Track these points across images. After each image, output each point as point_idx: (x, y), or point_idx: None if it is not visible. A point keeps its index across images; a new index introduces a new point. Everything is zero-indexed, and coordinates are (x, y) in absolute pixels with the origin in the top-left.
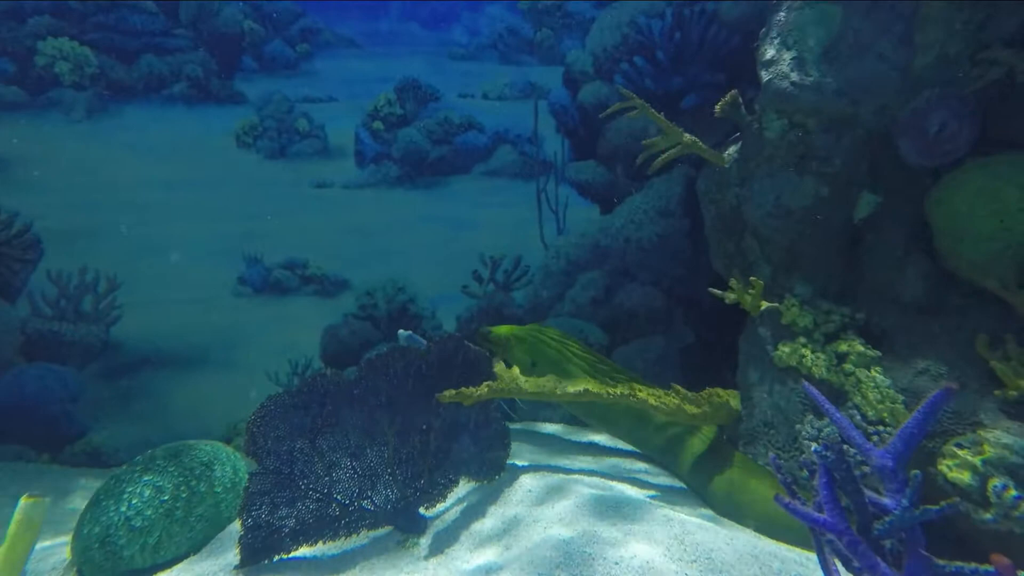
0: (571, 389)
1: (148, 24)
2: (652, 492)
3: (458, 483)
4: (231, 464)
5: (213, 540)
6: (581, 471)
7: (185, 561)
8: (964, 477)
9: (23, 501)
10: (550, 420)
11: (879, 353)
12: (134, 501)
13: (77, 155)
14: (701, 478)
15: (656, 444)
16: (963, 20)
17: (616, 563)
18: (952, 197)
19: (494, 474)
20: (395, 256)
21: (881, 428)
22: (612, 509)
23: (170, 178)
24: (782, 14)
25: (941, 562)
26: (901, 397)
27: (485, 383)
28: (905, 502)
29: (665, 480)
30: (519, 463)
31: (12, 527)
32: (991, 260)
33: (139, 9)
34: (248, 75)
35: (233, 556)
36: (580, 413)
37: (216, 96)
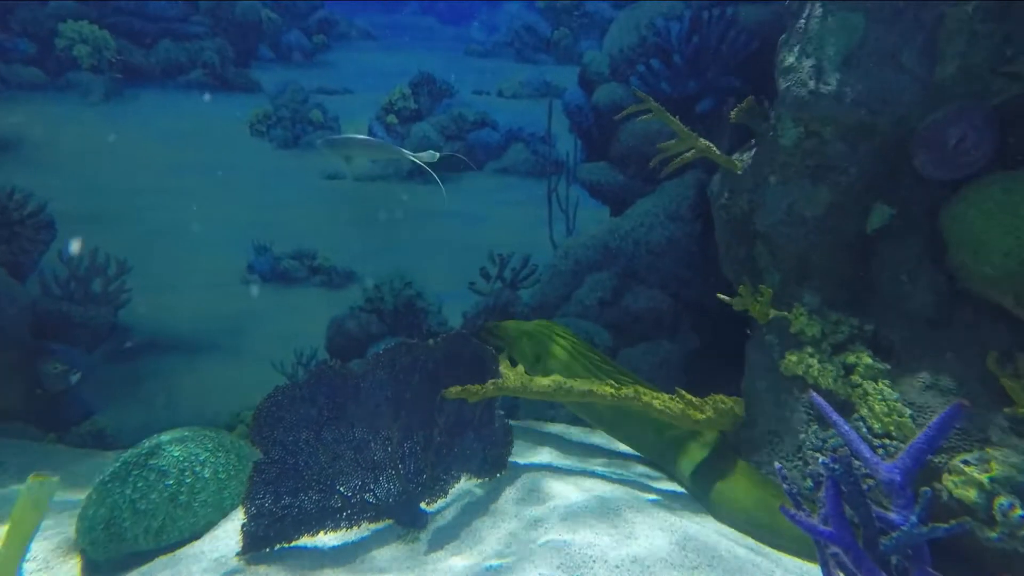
0: (576, 389)
1: (166, 10)
2: (653, 496)
3: (460, 479)
4: (235, 452)
5: (215, 526)
6: (583, 472)
7: (187, 546)
8: (970, 494)
9: (31, 480)
10: (554, 419)
11: (887, 366)
12: (139, 484)
13: (92, 138)
14: (703, 484)
15: (657, 448)
16: (987, 32)
17: (617, 566)
18: (969, 211)
19: (496, 471)
20: (403, 250)
21: (887, 441)
22: (613, 512)
23: (182, 164)
24: (803, 21)
25: None
26: (908, 411)
27: (490, 380)
28: (914, 519)
29: (666, 485)
30: (521, 461)
31: (18, 505)
32: (1007, 277)
33: None
34: (264, 64)
35: (235, 543)
36: (582, 414)
37: (231, 84)
